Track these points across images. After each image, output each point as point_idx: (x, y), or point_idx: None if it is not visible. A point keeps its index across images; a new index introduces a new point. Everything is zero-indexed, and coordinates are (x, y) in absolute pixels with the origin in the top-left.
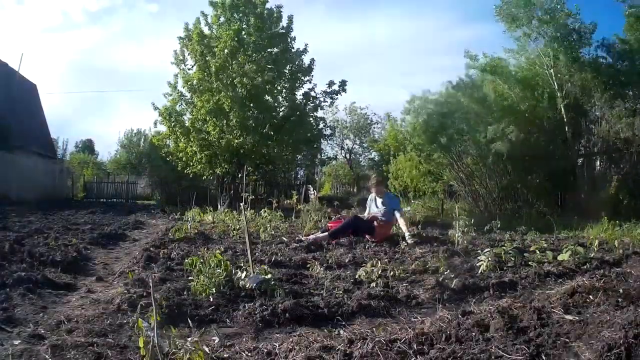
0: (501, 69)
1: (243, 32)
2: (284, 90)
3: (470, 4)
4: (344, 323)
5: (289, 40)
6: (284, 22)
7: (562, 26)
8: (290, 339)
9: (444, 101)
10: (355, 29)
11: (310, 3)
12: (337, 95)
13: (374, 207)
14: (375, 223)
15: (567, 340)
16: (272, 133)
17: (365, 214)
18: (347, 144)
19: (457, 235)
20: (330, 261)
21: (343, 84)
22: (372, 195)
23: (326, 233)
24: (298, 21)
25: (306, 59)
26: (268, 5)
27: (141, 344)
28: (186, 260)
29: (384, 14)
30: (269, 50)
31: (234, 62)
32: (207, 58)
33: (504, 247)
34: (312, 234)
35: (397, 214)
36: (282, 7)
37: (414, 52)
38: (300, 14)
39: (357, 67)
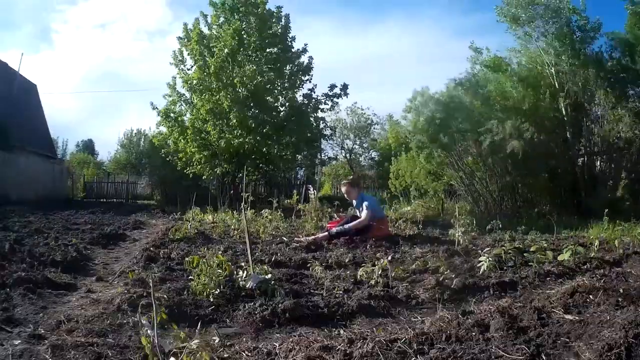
0: (505, 67)
1: (243, 33)
2: (284, 91)
3: (466, 19)
4: (344, 323)
5: (288, 40)
6: (283, 22)
7: (565, 23)
8: (291, 339)
9: (446, 99)
10: (358, 42)
11: (317, 19)
12: (338, 98)
13: (357, 213)
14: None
15: (567, 340)
16: (272, 133)
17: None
18: (347, 144)
19: (457, 235)
20: (330, 261)
21: (345, 87)
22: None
23: (326, 233)
24: (306, 35)
25: (305, 59)
26: (268, 6)
27: (144, 342)
28: (186, 259)
29: (386, 28)
30: (268, 50)
31: (234, 62)
32: (206, 58)
33: (504, 247)
34: (313, 234)
35: (364, 207)
36: (282, 7)
37: (414, 61)
38: (308, 29)
39: (358, 77)
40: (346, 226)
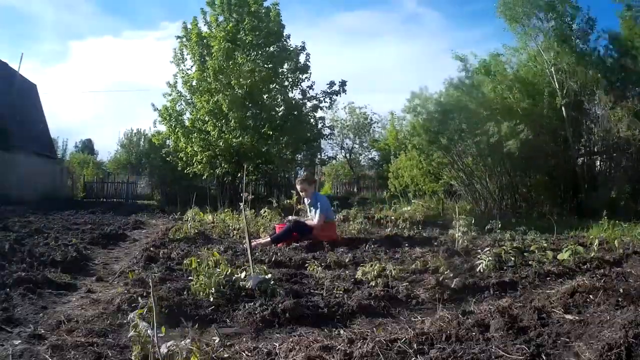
0: (496, 68)
1: (240, 32)
2: (282, 88)
3: (463, 33)
4: (344, 323)
5: (283, 37)
6: (278, 19)
7: (563, 21)
8: (291, 339)
9: (444, 100)
10: (358, 53)
11: (323, 31)
12: (337, 95)
13: (309, 211)
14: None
15: (567, 340)
16: (271, 133)
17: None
18: (347, 144)
19: (457, 234)
20: (330, 261)
21: (343, 84)
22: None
23: (268, 239)
24: (308, 42)
25: (303, 57)
26: (265, 4)
27: (133, 343)
28: (185, 261)
29: (387, 39)
30: (266, 49)
31: (231, 62)
32: (205, 58)
33: (504, 247)
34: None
35: (317, 210)
36: (277, 4)
37: (414, 67)
38: (314, 38)
39: (358, 83)
40: (306, 228)
